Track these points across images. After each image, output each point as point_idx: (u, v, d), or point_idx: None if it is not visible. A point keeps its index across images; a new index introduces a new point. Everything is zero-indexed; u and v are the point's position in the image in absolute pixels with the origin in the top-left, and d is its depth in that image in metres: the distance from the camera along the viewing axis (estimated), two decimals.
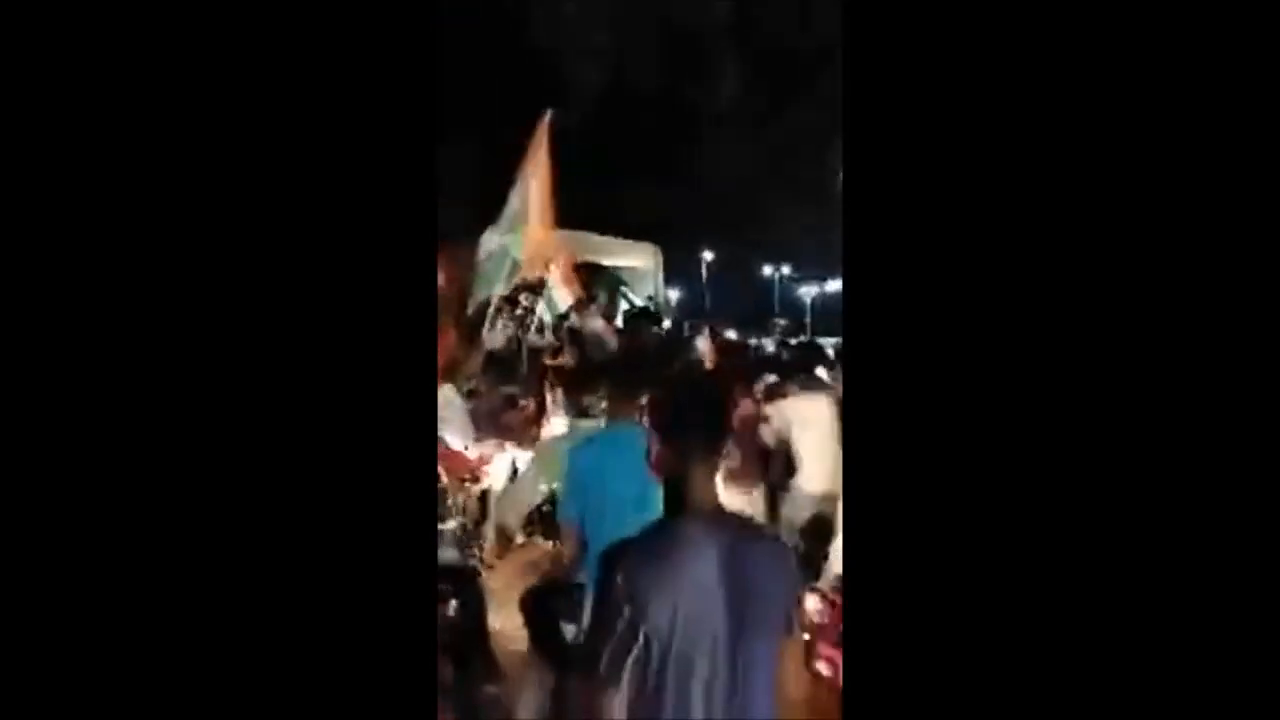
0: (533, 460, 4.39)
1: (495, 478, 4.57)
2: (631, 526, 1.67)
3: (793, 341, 8.57)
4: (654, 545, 1.60)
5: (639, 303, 8.12)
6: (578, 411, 4.23)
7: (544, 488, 4.14)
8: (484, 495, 4.47)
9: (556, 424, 4.62)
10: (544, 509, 4.23)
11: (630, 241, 9.24)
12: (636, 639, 1.50)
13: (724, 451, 1.67)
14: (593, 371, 4.50)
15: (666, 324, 8.19)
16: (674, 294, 13.51)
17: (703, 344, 5.82)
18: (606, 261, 8.63)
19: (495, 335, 6.34)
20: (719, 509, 1.65)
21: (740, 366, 5.24)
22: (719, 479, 1.72)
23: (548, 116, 6.18)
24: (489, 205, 6.43)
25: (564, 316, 6.46)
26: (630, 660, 1.50)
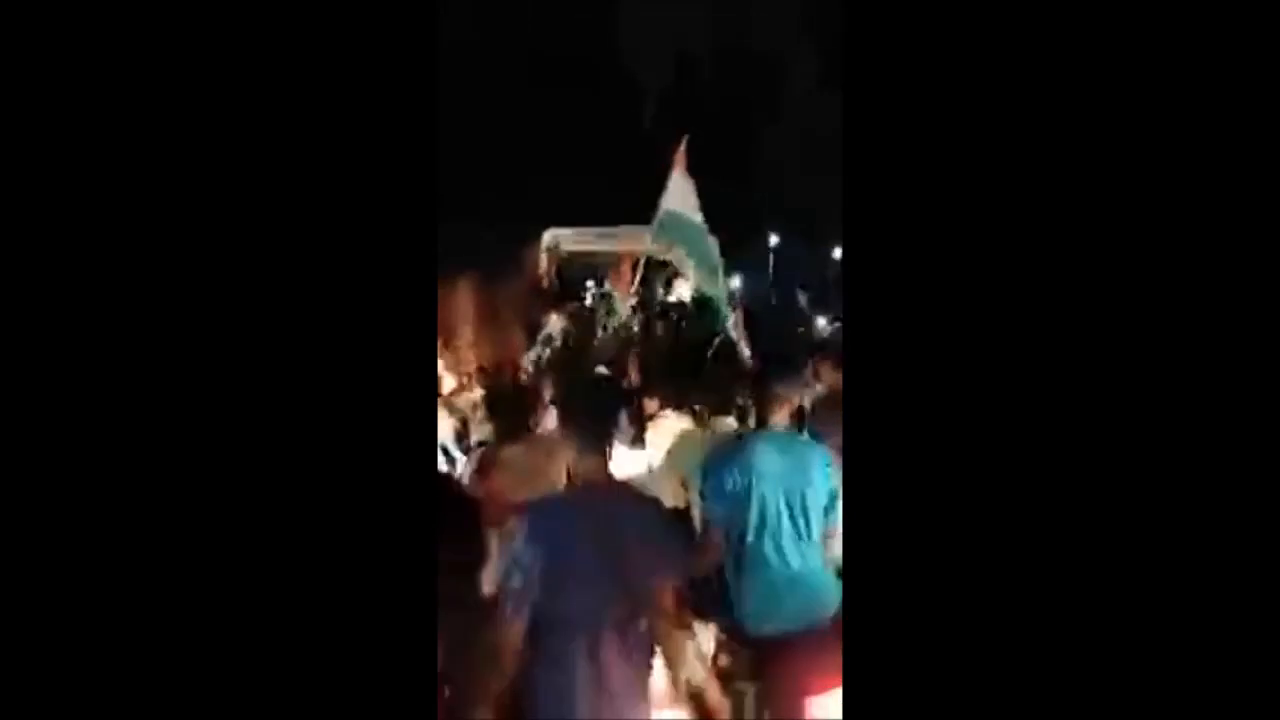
0: (667, 458, 3.95)
1: None
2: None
3: None
4: (548, 510, 2.08)
5: (693, 295, 8.08)
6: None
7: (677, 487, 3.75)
8: None
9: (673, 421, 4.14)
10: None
11: None
12: (532, 588, 1.89)
13: (614, 433, 2.13)
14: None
15: (729, 315, 8.09)
16: (735, 283, 13.32)
17: (734, 327, 6.00)
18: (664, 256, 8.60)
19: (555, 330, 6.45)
20: (609, 479, 2.10)
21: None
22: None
23: (683, 143, 6.09)
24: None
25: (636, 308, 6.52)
26: (527, 603, 1.89)
